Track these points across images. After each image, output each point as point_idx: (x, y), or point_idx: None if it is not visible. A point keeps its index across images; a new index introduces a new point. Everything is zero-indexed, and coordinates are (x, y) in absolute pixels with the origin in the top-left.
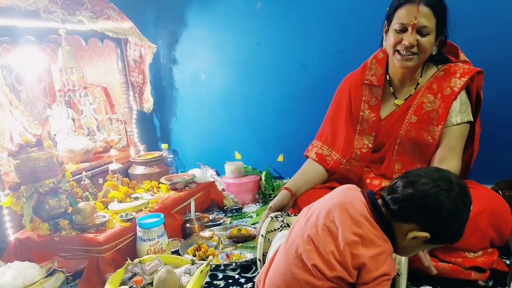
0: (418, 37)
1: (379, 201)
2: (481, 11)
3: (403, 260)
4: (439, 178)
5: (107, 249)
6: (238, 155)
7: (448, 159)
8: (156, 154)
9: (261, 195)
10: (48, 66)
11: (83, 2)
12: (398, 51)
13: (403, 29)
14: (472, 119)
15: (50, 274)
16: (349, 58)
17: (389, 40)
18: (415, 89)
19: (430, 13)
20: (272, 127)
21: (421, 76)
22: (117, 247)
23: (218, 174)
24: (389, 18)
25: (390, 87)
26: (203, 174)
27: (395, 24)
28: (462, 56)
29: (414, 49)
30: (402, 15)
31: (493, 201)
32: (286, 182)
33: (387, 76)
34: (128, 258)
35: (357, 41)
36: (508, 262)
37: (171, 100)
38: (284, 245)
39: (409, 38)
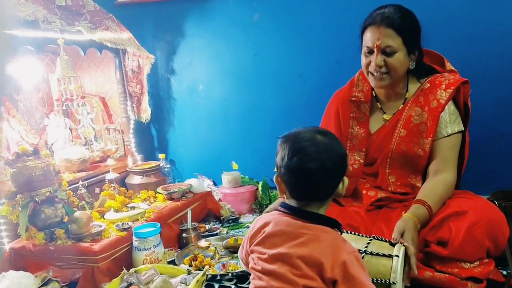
0: (385, 57)
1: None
2: (475, 24)
3: (399, 268)
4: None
5: (103, 259)
6: (235, 165)
7: (442, 171)
8: (153, 164)
9: (257, 205)
10: (46, 75)
11: (82, 12)
12: (371, 72)
13: (370, 51)
14: (462, 129)
15: (45, 283)
16: (345, 69)
17: (362, 62)
18: (402, 103)
19: (392, 33)
20: (269, 138)
21: (407, 90)
22: (113, 257)
23: (215, 184)
24: (360, 41)
25: (377, 103)
26: (200, 184)
27: (363, 47)
28: (448, 66)
29: (383, 69)
30: (367, 38)
31: (489, 211)
32: None
33: (373, 92)
34: (124, 268)
35: (353, 52)
36: (504, 272)
37: (168, 110)
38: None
39: (375, 59)
